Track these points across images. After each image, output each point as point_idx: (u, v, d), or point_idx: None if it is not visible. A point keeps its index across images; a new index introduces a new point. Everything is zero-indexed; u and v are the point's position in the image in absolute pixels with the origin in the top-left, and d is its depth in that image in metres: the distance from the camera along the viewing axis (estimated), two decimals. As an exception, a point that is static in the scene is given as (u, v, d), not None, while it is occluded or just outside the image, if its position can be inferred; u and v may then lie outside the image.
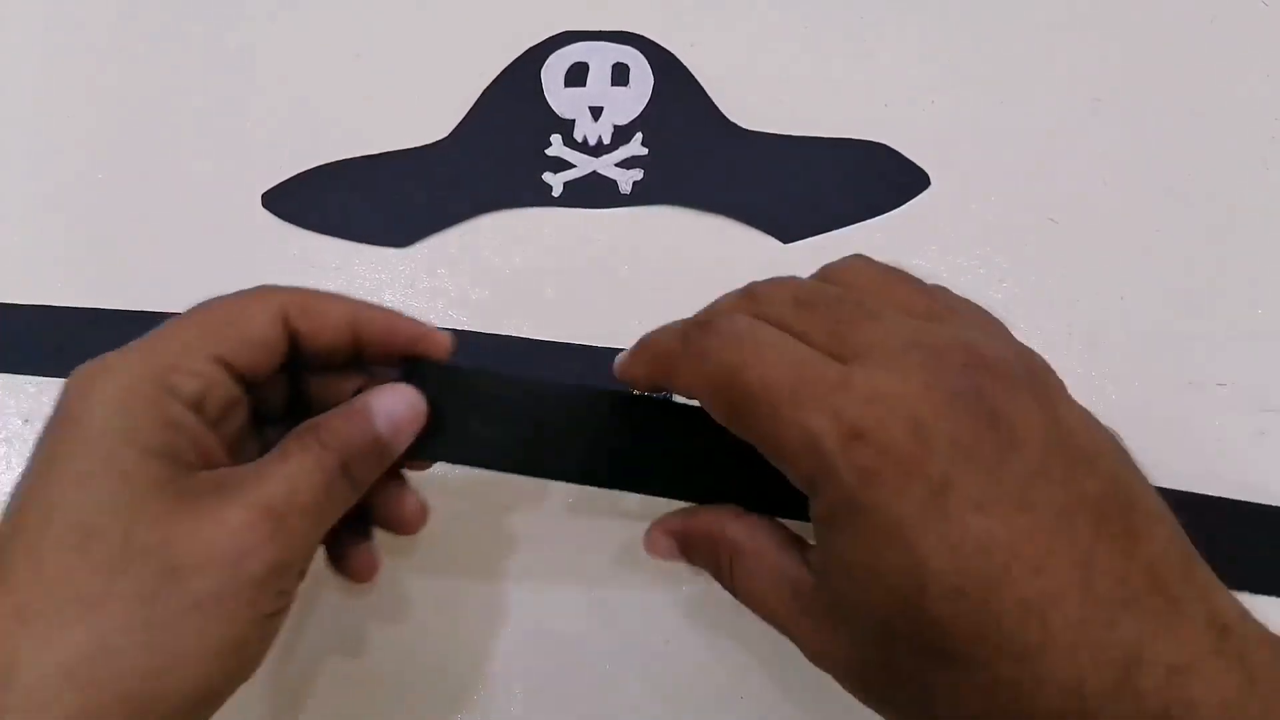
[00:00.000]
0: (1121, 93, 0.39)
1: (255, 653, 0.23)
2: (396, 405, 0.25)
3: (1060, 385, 0.23)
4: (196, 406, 0.24)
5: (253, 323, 0.25)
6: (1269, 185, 0.37)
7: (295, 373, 0.27)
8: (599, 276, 0.36)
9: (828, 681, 0.30)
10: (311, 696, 0.30)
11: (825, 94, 0.39)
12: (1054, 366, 0.23)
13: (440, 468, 0.31)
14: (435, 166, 0.38)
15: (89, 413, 0.22)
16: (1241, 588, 0.21)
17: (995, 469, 0.20)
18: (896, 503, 0.20)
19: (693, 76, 0.40)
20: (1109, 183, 0.37)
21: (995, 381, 0.21)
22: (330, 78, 0.41)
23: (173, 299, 0.36)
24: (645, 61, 0.40)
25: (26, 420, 0.35)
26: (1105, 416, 0.22)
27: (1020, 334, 0.24)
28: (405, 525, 0.27)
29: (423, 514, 0.27)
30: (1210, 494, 0.32)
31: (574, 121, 0.39)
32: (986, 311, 0.25)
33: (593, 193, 0.38)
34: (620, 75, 0.40)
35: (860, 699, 0.23)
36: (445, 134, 0.39)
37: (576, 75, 0.40)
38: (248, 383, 0.25)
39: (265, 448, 0.24)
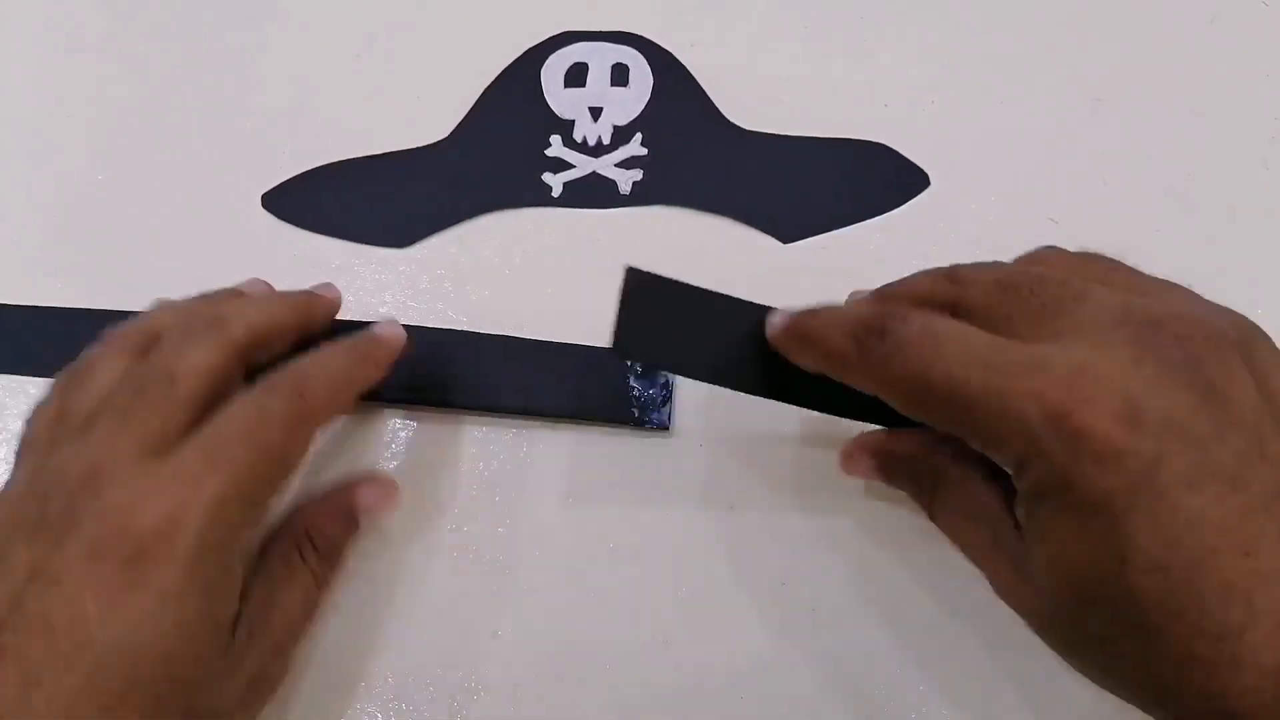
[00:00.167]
0: (1121, 93, 0.39)
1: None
2: (374, 498, 0.30)
3: (1274, 351, 0.22)
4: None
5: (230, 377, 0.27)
6: (1269, 185, 0.37)
7: None
8: (599, 276, 0.36)
9: (827, 681, 0.30)
10: (304, 697, 0.30)
11: (825, 94, 0.39)
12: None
13: (434, 468, 0.31)
14: (435, 166, 0.38)
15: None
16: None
17: (1210, 445, 0.20)
18: (1106, 479, 0.20)
19: (692, 76, 0.40)
20: (1109, 183, 0.37)
21: (1211, 352, 0.21)
22: (330, 78, 0.41)
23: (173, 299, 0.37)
24: (645, 62, 0.40)
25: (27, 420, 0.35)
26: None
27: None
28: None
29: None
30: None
31: (574, 122, 0.39)
32: (1186, 288, 0.25)
33: (592, 193, 0.38)
34: (620, 75, 0.40)
35: (1044, 641, 0.23)
36: (445, 134, 0.39)
37: (576, 75, 0.40)
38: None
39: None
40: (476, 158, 0.39)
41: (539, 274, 0.36)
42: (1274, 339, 0.23)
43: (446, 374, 0.33)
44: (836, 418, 0.29)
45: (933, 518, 0.27)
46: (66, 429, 0.26)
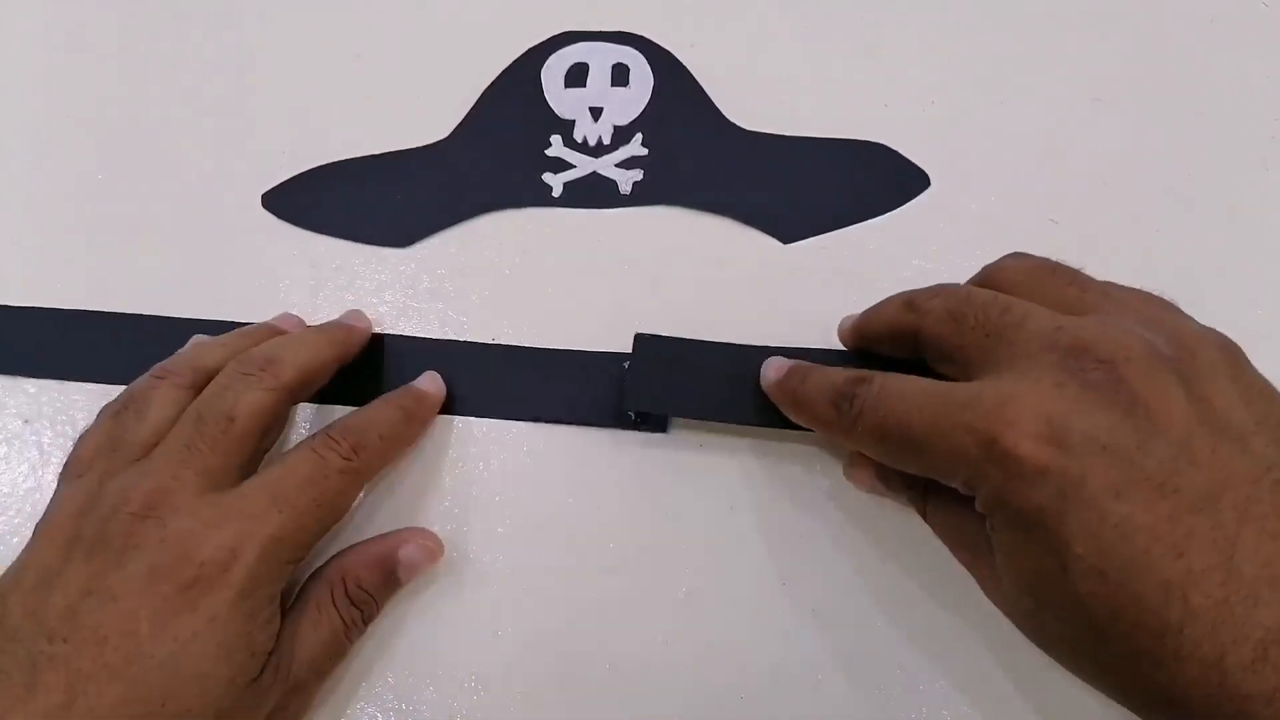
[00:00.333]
0: (1121, 93, 0.39)
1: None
2: (417, 557, 0.31)
3: (1225, 360, 0.23)
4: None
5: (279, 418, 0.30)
6: (1269, 185, 0.37)
7: None
8: (599, 277, 0.36)
9: (827, 682, 0.30)
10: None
11: (825, 94, 0.39)
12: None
13: (435, 467, 0.31)
14: (435, 166, 0.38)
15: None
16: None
17: (1134, 456, 0.21)
18: (1035, 495, 0.22)
19: (693, 77, 0.39)
20: (1109, 183, 0.37)
21: (1134, 369, 0.22)
22: (330, 78, 0.41)
23: (173, 299, 0.37)
24: (645, 62, 0.40)
25: (27, 421, 0.35)
26: (1105, 417, 0.22)
27: (1020, 334, 0.24)
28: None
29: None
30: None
31: (574, 122, 0.39)
32: (1150, 294, 0.26)
33: (593, 193, 0.38)
34: (620, 76, 0.40)
35: (1027, 637, 0.25)
36: (445, 134, 0.39)
37: (576, 76, 0.40)
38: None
39: None
40: (477, 158, 0.39)
41: (539, 274, 0.36)
42: (1274, 338, 0.23)
43: (450, 385, 0.34)
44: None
45: (929, 523, 0.29)
46: (122, 457, 0.27)
